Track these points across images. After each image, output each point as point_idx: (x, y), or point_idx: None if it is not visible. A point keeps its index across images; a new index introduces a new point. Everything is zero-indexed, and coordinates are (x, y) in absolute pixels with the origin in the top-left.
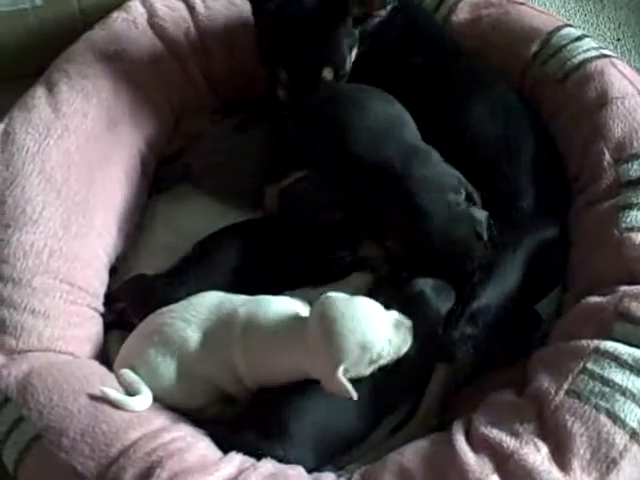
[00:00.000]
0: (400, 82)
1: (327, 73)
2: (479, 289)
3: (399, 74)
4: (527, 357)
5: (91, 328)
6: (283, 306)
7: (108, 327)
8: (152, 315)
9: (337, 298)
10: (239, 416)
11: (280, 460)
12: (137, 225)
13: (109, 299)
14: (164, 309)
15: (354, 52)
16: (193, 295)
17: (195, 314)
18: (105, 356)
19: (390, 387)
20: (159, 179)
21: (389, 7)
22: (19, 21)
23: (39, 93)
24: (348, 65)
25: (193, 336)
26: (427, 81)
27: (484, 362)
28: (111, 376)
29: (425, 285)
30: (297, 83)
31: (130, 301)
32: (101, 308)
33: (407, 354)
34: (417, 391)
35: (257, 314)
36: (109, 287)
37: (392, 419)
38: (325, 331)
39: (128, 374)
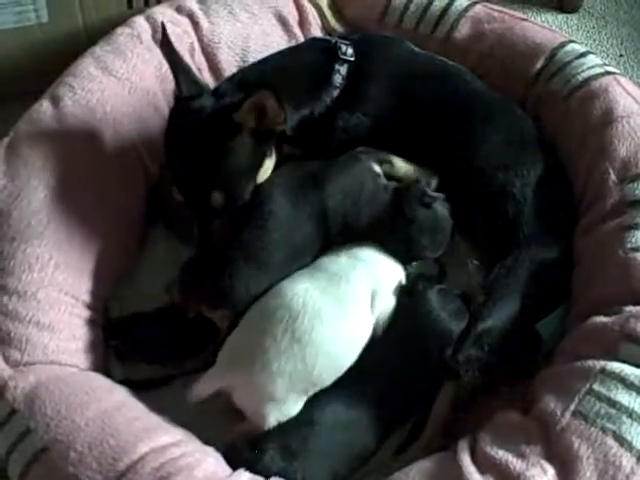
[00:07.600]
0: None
1: (217, 197)
2: (484, 311)
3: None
4: (529, 376)
5: (94, 341)
6: None
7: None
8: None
9: None
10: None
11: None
12: (141, 240)
13: (105, 334)
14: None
15: (265, 168)
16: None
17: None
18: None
19: (398, 401)
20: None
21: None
22: (25, 37)
23: (44, 107)
24: (246, 189)
25: None
26: (430, 114)
27: (486, 382)
28: (117, 387)
29: (437, 303)
30: (190, 205)
31: (124, 340)
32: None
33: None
34: (424, 406)
35: None
36: (110, 307)
37: (397, 438)
38: None
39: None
